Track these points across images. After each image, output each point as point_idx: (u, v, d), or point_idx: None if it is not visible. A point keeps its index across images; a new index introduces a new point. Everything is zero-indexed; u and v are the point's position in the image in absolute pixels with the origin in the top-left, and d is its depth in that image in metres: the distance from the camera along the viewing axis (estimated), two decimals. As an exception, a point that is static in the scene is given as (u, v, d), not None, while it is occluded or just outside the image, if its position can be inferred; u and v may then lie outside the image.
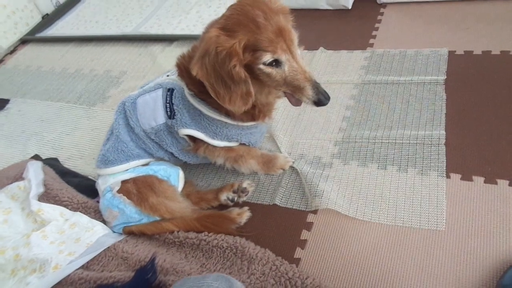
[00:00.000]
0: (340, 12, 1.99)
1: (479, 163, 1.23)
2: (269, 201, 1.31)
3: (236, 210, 1.28)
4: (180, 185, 1.33)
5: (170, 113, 1.26)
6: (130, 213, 1.24)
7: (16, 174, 1.45)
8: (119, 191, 1.25)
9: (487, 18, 1.69)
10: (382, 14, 1.89)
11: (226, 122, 1.22)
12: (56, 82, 2.18)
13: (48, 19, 2.71)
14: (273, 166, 1.38)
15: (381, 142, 1.36)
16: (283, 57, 1.01)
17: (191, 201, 1.32)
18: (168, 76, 1.35)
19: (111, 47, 2.31)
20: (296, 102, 1.11)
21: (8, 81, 2.32)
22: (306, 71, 1.04)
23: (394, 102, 1.48)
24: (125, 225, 1.27)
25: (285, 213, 1.26)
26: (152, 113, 1.30)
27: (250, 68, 1.04)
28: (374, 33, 1.81)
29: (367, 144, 1.37)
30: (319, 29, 1.92)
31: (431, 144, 1.31)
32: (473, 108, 1.38)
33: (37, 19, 2.71)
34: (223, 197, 1.31)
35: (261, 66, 1.02)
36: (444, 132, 1.32)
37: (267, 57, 1.00)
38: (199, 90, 1.16)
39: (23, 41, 2.61)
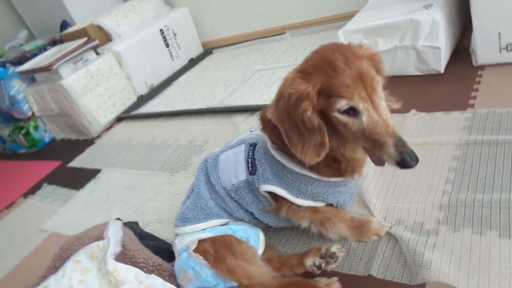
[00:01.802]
0: (432, 77, 1.88)
1: None
2: (363, 271, 1.11)
3: (323, 280, 1.10)
4: (260, 248, 1.20)
5: (252, 169, 1.19)
6: (206, 276, 1.12)
7: (97, 234, 1.43)
8: (195, 250, 1.15)
9: None
10: (480, 76, 1.74)
11: (310, 177, 1.11)
12: (143, 153, 2.28)
13: (142, 99, 2.95)
14: (366, 232, 1.20)
15: (500, 207, 1.13)
16: (361, 105, 0.89)
17: (272, 267, 1.17)
18: (251, 131, 1.32)
19: (195, 120, 2.40)
20: (378, 161, 0.96)
21: (102, 154, 2.48)
22: (389, 125, 0.89)
23: (508, 162, 1.27)
24: (200, 290, 1.15)
25: (384, 286, 1.06)
26: (233, 169, 1.24)
27: (327, 117, 0.95)
28: (473, 94, 1.65)
29: (480, 208, 1.15)
30: (409, 93, 1.81)
31: None
32: None
33: (133, 99, 2.97)
34: (309, 262, 1.14)
35: (336, 114, 0.91)
36: None
37: (342, 104, 0.89)
38: (282, 141, 1.09)
39: (119, 119, 2.84)
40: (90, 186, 2.15)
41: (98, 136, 2.75)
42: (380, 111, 0.90)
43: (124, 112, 2.86)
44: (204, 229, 1.22)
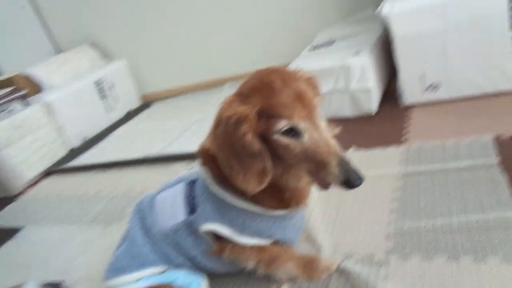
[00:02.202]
0: (366, 118, 1.95)
1: None
2: (315, 311, 1.03)
3: (274, 325, 1.00)
4: (204, 297, 1.08)
5: (191, 208, 1.11)
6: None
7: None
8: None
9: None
10: (409, 115, 1.84)
11: (253, 212, 1.04)
12: (72, 207, 2.08)
13: (75, 152, 2.77)
14: (316, 269, 1.13)
15: (442, 232, 1.14)
16: (301, 124, 0.87)
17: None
18: (190, 170, 1.24)
19: (133, 171, 2.26)
20: (323, 184, 0.93)
21: (24, 211, 2.23)
22: (331, 144, 0.87)
23: (445, 189, 1.30)
24: None
25: (338, 325, 0.98)
26: (171, 210, 1.14)
27: (268, 142, 0.91)
28: (405, 130, 1.73)
29: (426, 234, 1.15)
30: (347, 133, 1.86)
31: (506, 227, 1.08)
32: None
33: (64, 152, 2.77)
34: (259, 305, 1.04)
35: (277, 136, 0.88)
36: (519, 213, 1.10)
37: (282, 124, 0.86)
38: (223, 174, 1.03)
39: (47, 173, 2.62)
40: (7, 247, 1.89)
41: (21, 192, 2.49)
42: (321, 131, 0.88)
43: (53, 165, 2.64)
44: (138, 279, 1.08)
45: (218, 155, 0.94)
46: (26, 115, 2.57)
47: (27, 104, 2.69)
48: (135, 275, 1.09)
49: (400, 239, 1.16)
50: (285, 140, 0.88)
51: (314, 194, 1.48)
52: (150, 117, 3.15)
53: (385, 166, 1.52)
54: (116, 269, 1.11)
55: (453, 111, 1.75)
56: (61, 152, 2.75)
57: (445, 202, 1.25)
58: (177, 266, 1.13)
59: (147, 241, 1.14)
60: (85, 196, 2.15)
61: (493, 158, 1.36)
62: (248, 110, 0.87)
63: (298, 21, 2.76)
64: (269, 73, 0.92)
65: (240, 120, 0.87)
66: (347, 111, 2.00)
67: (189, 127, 2.60)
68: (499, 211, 1.14)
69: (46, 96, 2.74)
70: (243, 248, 1.07)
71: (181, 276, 1.08)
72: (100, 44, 3.40)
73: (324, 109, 1.93)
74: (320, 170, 0.87)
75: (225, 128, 0.89)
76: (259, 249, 1.09)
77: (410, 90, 1.85)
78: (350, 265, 1.12)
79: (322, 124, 0.89)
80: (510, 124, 1.52)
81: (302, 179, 1.01)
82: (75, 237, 1.79)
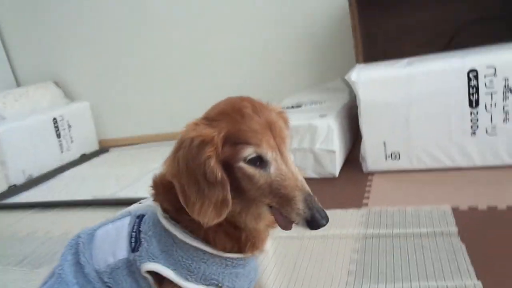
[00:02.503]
0: (328, 180, 1.94)
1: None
2: None
3: None
4: None
5: (135, 244, 0.99)
6: None
7: None
8: None
9: (479, 181, 1.66)
10: (371, 180, 1.84)
11: (205, 253, 0.94)
12: (0, 246, 1.85)
13: (15, 190, 2.55)
14: (266, 328, 1.02)
15: (403, 296, 1.07)
16: (269, 154, 0.81)
17: None
18: (140, 203, 1.14)
19: (78, 213, 2.08)
20: (285, 223, 0.84)
21: None
22: (298, 179, 0.82)
23: (405, 254, 1.25)
24: None
25: None
26: (112, 246, 1.01)
27: (230, 170, 0.83)
28: (366, 195, 1.71)
29: (385, 299, 1.07)
30: (307, 193, 1.82)
31: (467, 296, 1.03)
32: (503, 257, 1.16)
33: (3, 188, 2.54)
34: None
35: (242, 164, 0.81)
36: (479, 282, 1.06)
37: (249, 151, 0.80)
38: (176, 207, 0.94)
39: (-22, 209, 2.36)
40: None
41: None
42: (289, 164, 0.83)
43: (-13, 201, 2.40)
44: (60, 324, 0.92)
45: (175, 181, 0.85)
46: (-31, 143, 2.38)
47: (-27, 133, 2.50)
48: (56, 319, 0.93)
49: (358, 302, 1.08)
50: (250, 169, 0.81)
51: (269, 250, 1.39)
52: (106, 162, 3.01)
53: (345, 226, 1.47)
54: (33, 311, 0.95)
55: (413, 180, 1.77)
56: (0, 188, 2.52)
57: (405, 266, 1.19)
58: (108, 314, 0.98)
59: (79, 280, 0.99)
60: (16, 236, 1.93)
61: (453, 227, 1.34)
62: (215, 133, 0.81)
63: (266, 85, 2.83)
64: (240, 100, 0.88)
65: (204, 143, 0.80)
66: (310, 172, 1.98)
67: (145, 175, 2.47)
68: (459, 279, 1.10)
69: (-5, 127, 2.57)
70: (187, 295, 0.95)
71: (110, 324, 0.93)
72: (63, 84, 3.32)
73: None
74: (284, 205, 0.80)
75: (188, 152, 0.82)
76: (205, 297, 0.97)
77: (372, 157, 1.87)
78: (303, 327, 1.01)
79: (291, 157, 0.85)
80: (466, 197, 1.54)
81: (262, 220, 0.94)
82: (-6, 279, 1.56)
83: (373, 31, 2.33)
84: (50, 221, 2.03)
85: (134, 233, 1.00)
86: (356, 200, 1.67)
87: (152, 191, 1.02)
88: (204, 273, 0.95)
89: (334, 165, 1.91)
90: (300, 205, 0.79)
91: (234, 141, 0.81)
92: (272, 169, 0.81)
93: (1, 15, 3.33)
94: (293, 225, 0.85)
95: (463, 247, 1.23)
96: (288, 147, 0.85)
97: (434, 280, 1.11)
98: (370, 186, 1.79)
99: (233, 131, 0.82)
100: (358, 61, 2.11)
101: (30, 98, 2.98)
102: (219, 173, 0.81)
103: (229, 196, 0.83)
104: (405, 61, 1.80)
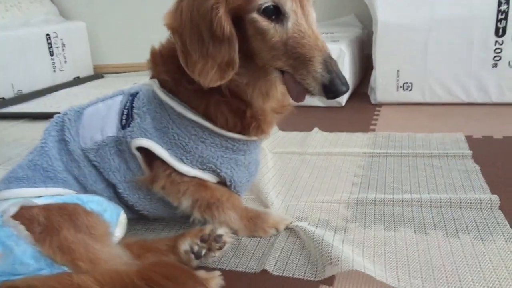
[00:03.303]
0: (334, 108, 1.84)
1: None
2: (254, 268, 0.83)
3: (201, 274, 0.79)
4: (118, 229, 0.85)
5: (126, 121, 0.89)
6: (22, 254, 0.73)
7: None
8: (16, 217, 0.76)
9: (494, 114, 1.57)
10: (379, 110, 1.75)
11: (203, 130, 0.84)
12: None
13: (3, 102, 2.42)
14: (263, 224, 0.94)
15: (412, 205, 0.99)
16: (288, 4, 0.69)
17: (131, 253, 0.81)
18: (134, 84, 1.03)
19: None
20: (298, 91, 0.74)
21: None
22: (319, 38, 0.71)
23: (415, 170, 1.18)
24: (7, 278, 0.73)
25: (281, 283, 0.78)
26: (100, 123, 0.92)
27: (240, 27, 0.73)
28: (373, 122, 1.62)
29: (391, 207, 1.00)
30: (312, 118, 1.72)
31: (481, 208, 0.96)
32: (517, 179, 1.09)
33: (-9, 99, 2.42)
34: (184, 246, 0.82)
35: (254, 15, 0.70)
36: (496, 195, 0.98)
37: None
38: (175, 77, 0.84)
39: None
40: None
41: None
42: (310, 21, 0.72)
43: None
44: (39, 196, 0.84)
45: (175, 37, 0.75)
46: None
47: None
48: (37, 190, 0.84)
49: (362, 209, 1.01)
50: (264, 22, 0.70)
51: (269, 160, 1.31)
52: (100, 86, 2.88)
53: (351, 146, 1.39)
54: (11, 179, 0.86)
55: (424, 112, 1.68)
56: (-13, 98, 2.40)
57: (414, 181, 1.12)
58: (93, 194, 0.90)
59: (62, 157, 0.90)
60: (3, 140, 1.84)
61: (466, 150, 1.26)
62: None
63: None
64: None
65: None
66: (316, 100, 1.87)
67: (141, 97, 2.36)
68: (472, 193, 1.02)
69: (-17, 35, 2.41)
70: (180, 178, 0.87)
71: (94, 201, 0.84)
72: (60, 1, 3.12)
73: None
74: (299, 68, 0.70)
75: (193, 2, 0.71)
76: (199, 184, 0.88)
77: (383, 87, 1.77)
78: (303, 225, 0.94)
79: (313, 14, 0.73)
80: (482, 128, 1.45)
81: (270, 99, 0.84)
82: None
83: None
84: (38, 130, 1.93)
85: (126, 110, 0.91)
86: (363, 126, 1.58)
87: (150, 64, 0.92)
88: (201, 155, 0.86)
89: (342, 93, 1.80)
90: (318, 67, 0.69)
91: None
92: (290, 23, 0.70)
93: None
94: (307, 95, 0.75)
95: (477, 167, 1.15)
96: (311, 3, 0.73)
97: (445, 193, 1.04)
98: (378, 115, 1.70)
99: None
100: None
101: (23, 10, 2.80)
102: (228, 25, 0.70)
103: (236, 56, 0.73)
104: (430, -17, 1.65)
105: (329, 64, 0.69)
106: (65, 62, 2.90)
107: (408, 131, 1.48)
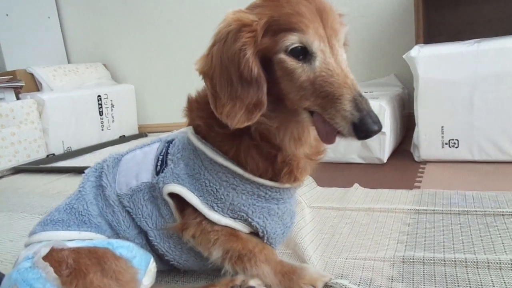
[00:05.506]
0: (375, 166, 1.77)
1: None
2: (289, 327, 0.76)
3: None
4: (146, 277, 0.81)
5: (160, 167, 0.89)
6: (47, 298, 0.70)
7: None
8: (46, 259, 0.75)
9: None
10: (423, 168, 1.66)
11: (234, 176, 0.82)
12: (29, 199, 1.83)
13: (53, 159, 2.55)
14: (299, 280, 0.86)
15: (466, 266, 0.89)
16: (316, 44, 0.69)
17: (159, 303, 0.77)
18: (172, 132, 1.04)
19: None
20: (327, 132, 0.70)
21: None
22: (349, 76, 0.69)
23: (467, 230, 1.07)
24: (31, 322, 0.70)
25: None
26: (136, 169, 0.93)
27: (269, 69, 0.73)
28: (418, 179, 1.53)
29: (443, 267, 0.90)
30: (352, 175, 1.67)
31: (549, 272, 0.84)
32: None
33: (42, 155, 2.56)
34: (215, 297, 0.77)
35: (282, 56, 0.69)
36: None
37: (291, 40, 0.68)
38: (207, 122, 0.84)
39: (17, 170, 2.37)
40: None
41: (-19, 183, 2.23)
42: (339, 60, 0.70)
43: (26, 164, 2.41)
44: (72, 240, 0.83)
45: (206, 81, 0.76)
46: (16, 106, 2.42)
47: (20, 98, 2.55)
48: (70, 234, 0.84)
49: (409, 268, 0.91)
50: (291, 62, 0.70)
51: (306, 214, 1.25)
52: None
53: (394, 203, 1.30)
54: (46, 221, 0.87)
55: (473, 170, 1.57)
56: (39, 155, 2.53)
57: (467, 241, 1.02)
58: (126, 240, 0.88)
59: (98, 201, 0.91)
60: (47, 193, 1.90)
61: (525, 209, 1.15)
62: (255, 18, 0.71)
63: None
64: None
65: (241, 29, 0.70)
66: (355, 157, 1.82)
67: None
68: (537, 255, 0.91)
69: (43, 94, 2.61)
70: (211, 227, 0.84)
71: (124, 246, 0.82)
72: (111, 67, 3.37)
73: (329, 152, 1.77)
74: (327, 107, 0.68)
75: (222, 42, 0.72)
76: (231, 234, 0.85)
77: (427, 144, 1.70)
78: (344, 283, 0.86)
79: (342, 54, 0.72)
80: (539, 187, 1.33)
81: (302, 145, 0.82)
82: (18, 224, 1.52)
83: (435, 23, 2.18)
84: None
85: (161, 156, 0.91)
86: (406, 183, 1.50)
87: (186, 111, 0.93)
88: (232, 202, 0.83)
89: (383, 149, 1.75)
90: (347, 105, 0.66)
91: (276, 29, 0.70)
92: (318, 62, 0.69)
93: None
94: (338, 136, 0.71)
95: (540, 228, 1.04)
96: (340, 41, 0.72)
97: (504, 253, 0.93)
98: (422, 172, 1.61)
99: (277, 16, 0.70)
100: (417, 42, 1.96)
101: (79, 75, 3.03)
102: (255, 67, 0.70)
103: (265, 97, 0.72)
104: (473, 40, 1.64)
105: (359, 102, 0.66)
106: (113, 121, 3.06)
107: (457, 189, 1.38)
